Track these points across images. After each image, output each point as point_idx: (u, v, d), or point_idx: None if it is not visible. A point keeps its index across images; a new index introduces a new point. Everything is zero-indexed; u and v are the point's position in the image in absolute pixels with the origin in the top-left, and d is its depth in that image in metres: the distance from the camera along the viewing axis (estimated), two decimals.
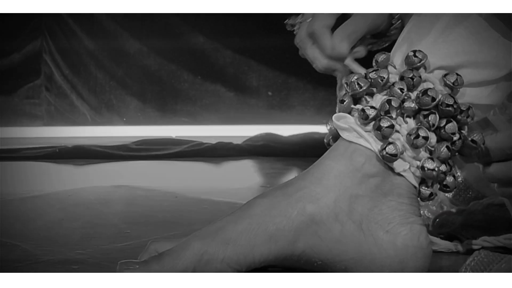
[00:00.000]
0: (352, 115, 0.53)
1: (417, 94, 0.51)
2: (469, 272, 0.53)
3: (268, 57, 2.34)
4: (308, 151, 1.68)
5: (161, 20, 2.31)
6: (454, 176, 0.52)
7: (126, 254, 0.59)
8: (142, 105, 2.36)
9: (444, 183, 0.52)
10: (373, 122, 0.51)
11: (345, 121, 0.52)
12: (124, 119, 2.36)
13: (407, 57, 0.52)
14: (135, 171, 1.54)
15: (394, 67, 0.53)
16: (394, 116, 0.51)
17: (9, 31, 2.29)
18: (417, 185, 0.52)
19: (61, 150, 1.70)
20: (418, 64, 0.51)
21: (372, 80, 0.52)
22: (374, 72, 0.52)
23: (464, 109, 0.51)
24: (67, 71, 2.34)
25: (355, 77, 0.53)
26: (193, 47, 2.34)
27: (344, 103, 0.53)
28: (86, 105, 2.34)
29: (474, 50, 0.52)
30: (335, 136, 0.54)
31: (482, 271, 0.53)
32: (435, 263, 0.56)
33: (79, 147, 1.72)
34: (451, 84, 0.51)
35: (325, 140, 0.56)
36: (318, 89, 2.33)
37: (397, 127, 0.51)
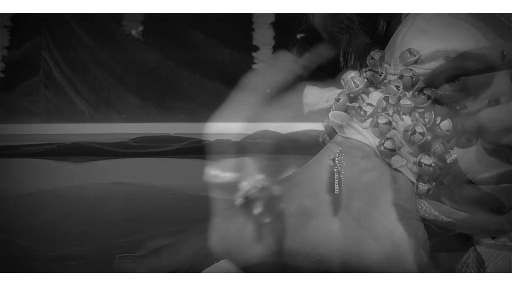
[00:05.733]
0: (348, 113, 0.53)
1: (412, 93, 0.51)
2: (465, 269, 0.53)
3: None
4: (306, 148, 1.68)
5: (160, 17, 2.31)
6: (448, 174, 0.52)
7: (124, 251, 0.59)
8: (140, 103, 2.36)
9: (440, 180, 0.52)
10: (371, 118, 0.51)
11: (341, 119, 0.52)
12: (123, 116, 2.36)
13: (402, 53, 0.52)
14: (134, 168, 1.53)
15: (389, 64, 0.53)
16: (390, 113, 0.51)
17: (8, 29, 2.29)
18: (415, 181, 0.52)
19: (59, 147, 1.70)
20: (411, 60, 0.52)
21: (369, 77, 0.52)
22: (369, 71, 0.53)
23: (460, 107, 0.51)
24: (66, 68, 2.34)
25: (351, 75, 0.53)
26: (192, 45, 2.34)
27: (340, 101, 0.53)
28: (85, 102, 2.34)
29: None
30: (331, 134, 0.55)
31: (478, 269, 0.53)
32: (432, 260, 0.56)
33: (78, 144, 1.72)
34: None
35: (320, 139, 0.56)
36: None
37: (393, 124, 0.51)
